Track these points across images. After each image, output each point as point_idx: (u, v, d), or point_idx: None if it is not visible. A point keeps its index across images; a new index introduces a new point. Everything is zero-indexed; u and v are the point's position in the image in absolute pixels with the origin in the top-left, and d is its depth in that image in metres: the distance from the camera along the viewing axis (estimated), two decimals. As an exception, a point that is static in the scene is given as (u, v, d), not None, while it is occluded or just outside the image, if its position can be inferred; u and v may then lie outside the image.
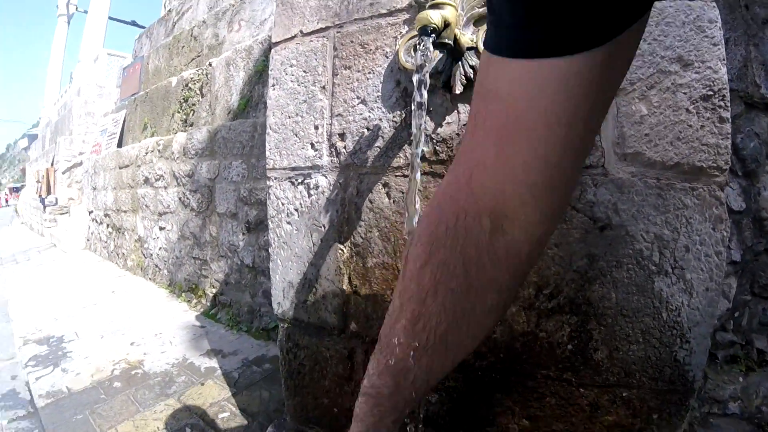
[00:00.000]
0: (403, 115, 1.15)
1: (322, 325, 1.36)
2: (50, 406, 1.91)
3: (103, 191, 5.48)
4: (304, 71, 1.31)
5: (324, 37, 1.26)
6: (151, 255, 4.19)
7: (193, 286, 3.51)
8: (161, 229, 4.01)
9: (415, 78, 0.87)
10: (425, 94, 0.85)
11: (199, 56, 4.98)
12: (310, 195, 1.34)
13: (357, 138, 1.23)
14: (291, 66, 1.34)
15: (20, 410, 1.96)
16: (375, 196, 1.21)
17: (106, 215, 5.38)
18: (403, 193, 1.17)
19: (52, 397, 1.97)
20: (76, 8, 15.23)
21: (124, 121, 6.71)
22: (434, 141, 1.11)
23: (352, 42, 1.22)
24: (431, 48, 0.87)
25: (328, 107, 1.28)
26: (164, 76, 5.56)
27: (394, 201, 1.19)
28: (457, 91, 1.02)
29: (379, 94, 1.18)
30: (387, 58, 1.16)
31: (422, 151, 1.13)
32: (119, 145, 6.40)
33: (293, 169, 1.37)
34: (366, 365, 0.62)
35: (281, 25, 1.35)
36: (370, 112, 1.21)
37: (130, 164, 4.61)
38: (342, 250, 1.28)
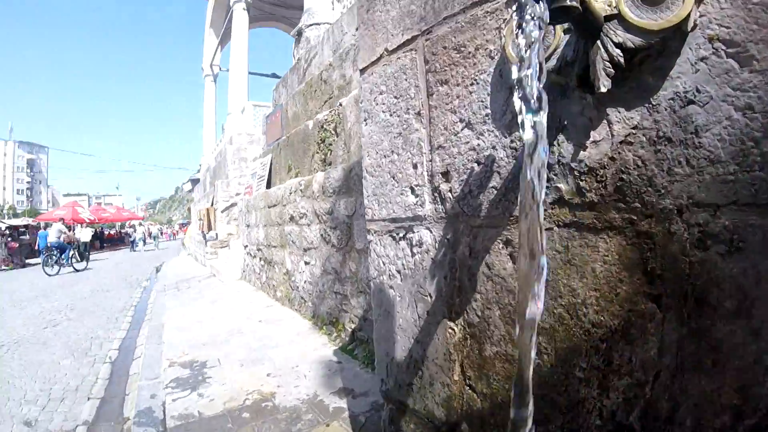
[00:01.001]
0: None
1: (428, 417, 1.07)
2: (179, 428, 1.97)
3: (255, 228, 5.97)
4: (395, 97, 1.07)
5: (412, 50, 1.01)
6: (297, 287, 4.35)
7: (334, 320, 3.54)
8: (306, 263, 4.15)
9: (514, 71, 0.58)
10: (537, 93, 0.55)
11: (330, 98, 5.13)
12: (413, 254, 1.08)
13: (465, 177, 0.94)
14: (380, 93, 1.11)
15: (151, 429, 2.09)
16: (494, 258, 0.90)
17: (258, 249, 5.83)
18: (531, 255, 0.84)
19: (183, 419, 2.04)
20: (220, 68, 17.71)
21: (271, 164, 7.25)
22: (576, 173, 0.76)
23: (444, 48, 0.93)
24: (542, 15, 0.57)
25: (426, 138, 1.01)
26: (302, 120, 5.87)
27: (521, 263, 0.86)
28: (603, 89, 0.67)
29: (488, 111, 0.87)
30: (492, 59, 0.84)
31: (557, 189, 0.80)
32: (268, 186, 6.89)
33: (393, 220, 1.12)
34: None
35: (365, 48, 1.12)
36: (479, 138, 0.90)
37: (277, 203, 4.94)
38: (452, 330, 0.98)
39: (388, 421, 1.21)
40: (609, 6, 0.65)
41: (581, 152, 0.73)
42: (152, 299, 6.11)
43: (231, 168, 10.79)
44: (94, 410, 2.56)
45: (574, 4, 0.58)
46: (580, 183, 0.74)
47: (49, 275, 10.03)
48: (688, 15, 0.60)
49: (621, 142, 0.69)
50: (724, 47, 0.59)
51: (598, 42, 0.65)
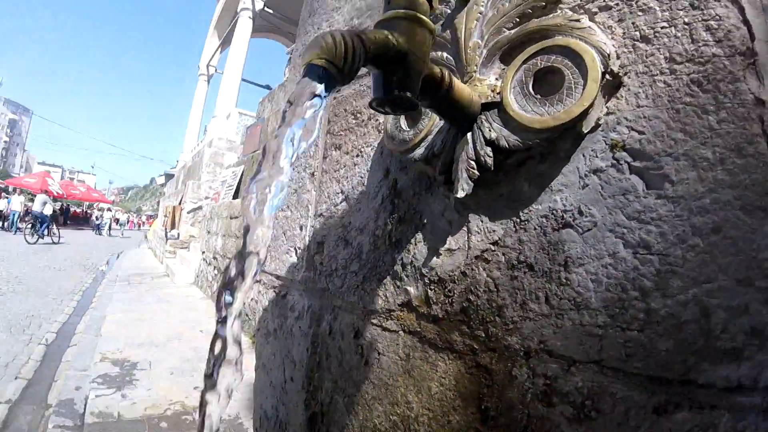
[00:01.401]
0: (389, 226, 0.58)
1: None
2: (96, 426, 1.60)
3: (215, 236, 4.88)
4: (304, 153, 0.84)
5: (323, 108, 0.79)
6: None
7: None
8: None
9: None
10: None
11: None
12: (287, 317, 0.80)
13: (334, 253, 0.67)
14: (291, 140, 0.89)
15: (68, 421, 1.68)
16: (346, 344, 0.63)
17: (214, 258, 4.75)
18: (379, 353, 0.57)
19: (102, 417, 1.66)
20: (216, 69, 14.39)
21: (242, 175, 6.01)
22: (426, 280, 0.51)
23: (345, 111, 0.69)
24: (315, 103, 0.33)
25: (314, 201, 0.76)
26: (279, 139, 5.24)
27: (367, 362, 0.59)
28: (460, 193, 0.41)
29: (364, 188, 0.61)
30: (379, 133, 0.60)
31: (406, 291, 0.54)
32: (234, 196, 5.73)
33: (278, 277, 0.85)
34: None
35: (290, 92, 0.91)
36: (352, 215, 0.65)
37: (239, 216, 4.02)
38: (309, 403, 0.71)
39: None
40: (492, 91, 0.40)
41: (434, 258, 0.48)
42: (102, 288, 4.97)
43: (205, 170, 8.83)
44: (19, 391, 2.06)
45: (407, 95, 0.34)
46: (428, 292, 0.48)
47: (29, 243, 8.51)
48: (585, 112, 0.35)
49: (477, 257, 0.43)
50: (629, 159, 0.34)
51: (468, 135, 0.41)
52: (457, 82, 0.38)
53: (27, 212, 10.94)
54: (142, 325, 3.34)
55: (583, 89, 0.34)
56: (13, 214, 11.16)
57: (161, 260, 7.68)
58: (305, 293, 0.72)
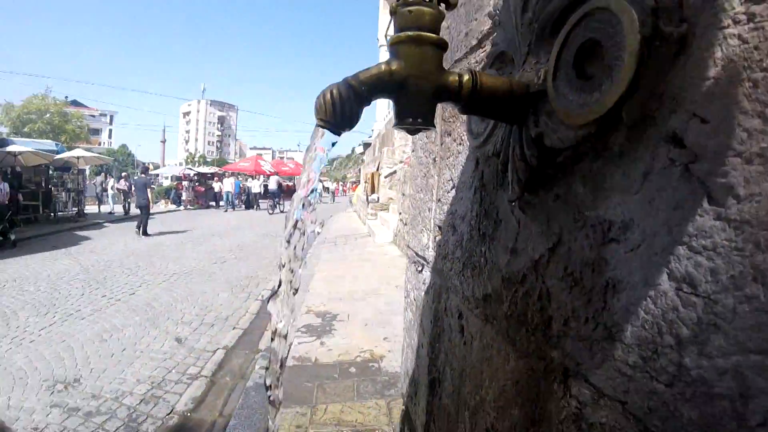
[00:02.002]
0: (478, 218, 0.55)
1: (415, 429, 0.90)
2: (295, 368, 1.98)
3: (408, 198, 5.02)
4: (427, 137, 0.85)
5: None
6: (436, 260, 3.87)
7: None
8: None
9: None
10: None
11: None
12: (420, 290, 0.88)
13: (447, 237, 0.69)
14: None
15: (273, 364, 2.25)
16: (453, 323, 0.66)
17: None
18: (472, 337, 0.58)
19: (300, 361, 2.04)
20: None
21: None
22: (500, 276, 0.47)
23: None
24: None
25: (435, 186, 0.79)
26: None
27: (465, 342, 0.61)
28: (511, 196, 0.38)
29: (465, 178, 0.61)
30: None
31: (486, 286, 0.52)
32: None
33: (416, 254, 0.94)
34: None
35: None
36: (457, 203, 0.64)
37: None
38: (431, 370, 0.79)
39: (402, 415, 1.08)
40: (537, 77, 0.35)
41: (505, 257, 0.45)
42: (312, 249, 5.56)
43: (397, 136, 8.95)
44: (235, 339, 2.64)
45: (413, 120, 0.33)
46: (502, 289, 0.46)
47: (270, 214, 10.87)
48: (623, 98, 0.27)
49: (535, 261, 0.39)
50: (686, 158, 0.25)
51: (519, 131, 0.37)
52: (486, 79, 0.34)
53: (243, 191, 13.98)
54: (344, 281, 3.87)
55: (622, 66, 0.26)
56: (227, 195, 14.06)
57: (364, 222, 8.55)
58: (432, 271, 0.79)
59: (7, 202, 8.77)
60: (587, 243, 0.32)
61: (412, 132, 0.37)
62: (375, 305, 3.21)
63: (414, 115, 0.34)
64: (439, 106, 0.77)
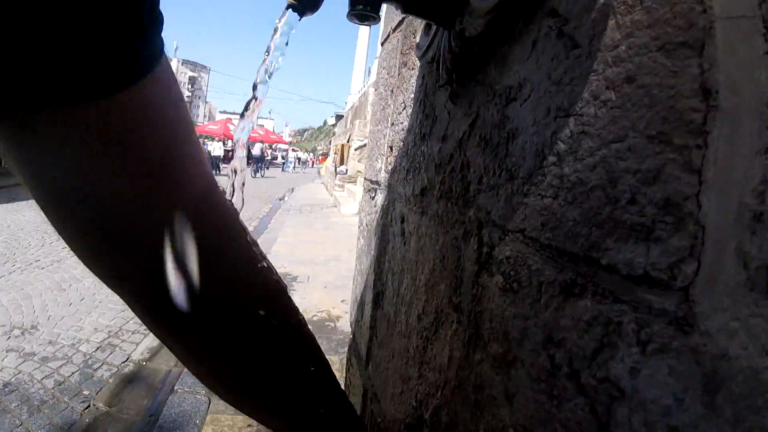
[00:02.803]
0: (422, 123, 0.66)
1: (359, 352, 1.02)
2: None
3: (368, 134, 5.17)
4: (388, 73, 0.92)
5: (400, 31, 0.85)
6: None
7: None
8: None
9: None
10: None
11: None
12: (371, 212, 0.99)
13: (396, 152, 0.79)
14: (383, 68, 0.96)
15: None
16: (396, 229, 0.76)
17: None
18: (410, 233, 0.69)
19: None
20: (366, 25, 15.83)
21: None
22: (433, 165, 0.57)
23: (413, 32, 0.74)
24: None
25: (390, 113, 0.87)
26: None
27: (405, 243, 0.72)
28: (441, 82, 0.47)
29: (414, 95, 0.71)
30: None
31: (422, 179, 0.62)
32: None
33: (371, 181, 1.03)
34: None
35: (384, 23, 1.00)
36: (406, 119, 0.74)
37: None
38: (376, 285, 0.89)
39: (348, 348, 1.18)
40: None
41: (437, 146, 0.53)
42: (277, 215, 5.86)
43: (370, 109, 8.75)
44: None
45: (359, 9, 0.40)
46: (435, 177, 0.56)
47: (252, 177, 11.18)
48: None
49: (459, 140, 0.48)
50: (558, 23, 0.33)
51: (450, 31, 0.45)
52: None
53: (226, 157, 14.13)
54: (307, 246, 4.00)
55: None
56: (214, 159, 13.89)
57: (330, 193, 8.77)
58: (381, 191, 0.88)
59: None
60: (496, 109, 0.41)
61: (361, 19, 0.45)
62: (336, 270, 3.33)
63: (363, 3, 0.42)
64: (399, 40, 0.85)
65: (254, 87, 0.44)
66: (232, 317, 0.37)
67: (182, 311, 0.32)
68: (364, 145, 8.29)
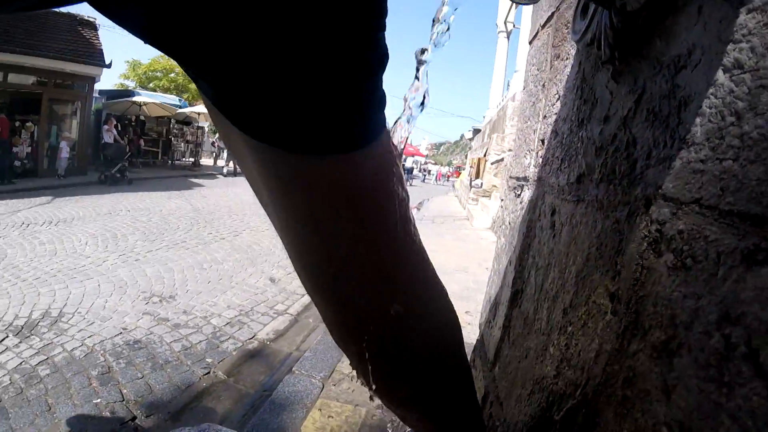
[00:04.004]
0: (579, 109, 0.66)
1: (487, 353, 1.03)
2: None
3: (516, 132, 4.95)
4: (538, 69, 0.94)
5: (550, 26, 0.86)
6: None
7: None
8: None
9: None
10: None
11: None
12: (516, 210, 1.00)
13: (548, 145, 0.80)
14: (532, 65, 0.99)
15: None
16: (545, 222, 0.77)
17: None
18: (562, 224, 0.69)
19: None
20: (513, 25, 15.12)
21: None
22: (593, 150, 0.58)
23: (562, 24, 0.76)
24: None
25: (542, 107, 0.89)
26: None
27: (554, 235, 0.72)
28: (603, 58, 0.49)
29: (569, 84, 0.71)
30: None
31: (580, 165, 0.62)
32: None
33: (516, 179, 1.05)
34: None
35: (532, 22, 1.02)
36: (561, 110, 0.74)
37: None
38: (515, 282, 0.91)
39: (476, 346, 1.21)
40: None
41: (598, 128, 0.55)
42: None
43: (508, 123, 9.14)
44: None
45: None
46: (594, 160, 0.57)
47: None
48: None
49: (624, 117, 0.50)
50: None
51: (610, 9, 0.47)
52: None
53: None
54: (436, 256, 4.06)
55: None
56: None
57: (464, 206, 9.05)
58: (529, 186, 0.90)
59: (126, 145, 10.75)
60: (664, 80, 0.43)
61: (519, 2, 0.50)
62: (462, 281, 3.46)
63: None
64: (549, 35, 0.87)
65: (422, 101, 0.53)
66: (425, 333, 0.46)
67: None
68: (501, 159, 8.36)
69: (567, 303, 0.62)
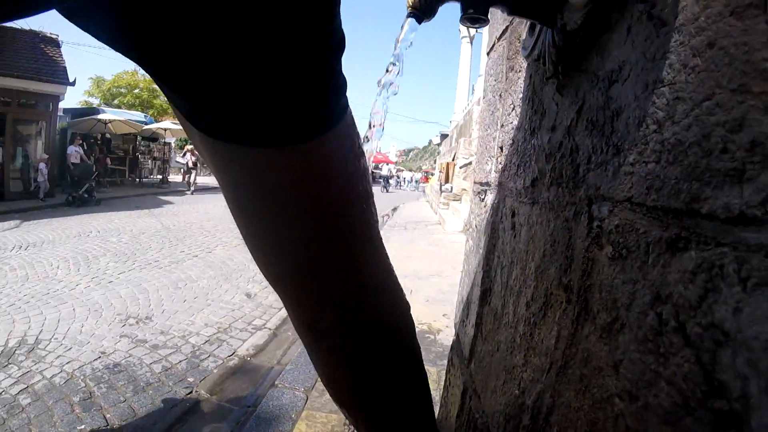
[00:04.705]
0: (531, 119, 0.71)
1: (462, 351, 1.07)
2: None
3: (477, 140, 5.06)
4: (495, 80, 0.99)
5: (505, 38, 0.92)
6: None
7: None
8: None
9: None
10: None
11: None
12: (481, 213, 1.05)
13: (506, 151, 0.85)
14: (490, 75, 1.04)
15: None
16: (507, 224, 0.81)
17: None
18: (520, 224, 0.73)
19: None
20: (477, 30, 15.23)
21: None
22: (543, 156, 0.62)
23: (517, 38, 0.82)
24: None
25: (500, 116, 0.94)
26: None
27: (514, 236, 0.76)
28: (547, 74, 0.54)
29: (522, 95, 0.77)
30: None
31: (534, 170, 0.67)
32: None
33: (480, 183, 1.09)
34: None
35: (489, 34, 1.07)
36: (515, 119, 0.80)
37: None
38: (484, 281, 0.95)
39: (450, 349, 1.24)
40: None
41: (546, 137, 0.60)
42: (382, 232, 6.17)
43: (475, 127, 8.99)
44: None
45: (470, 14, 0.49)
46: (545, 166, 0.62)
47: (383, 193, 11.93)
48: None
49: (568, 127, 0.54)
50: (648, 7, 0.39)
51: (553, 28, 0.52)
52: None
53: None
54: (410, 262, 4.22)
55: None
56: None
57: (435, 211, 9.09)
58: (491, 190, 0.95)
59: (93, 164, 10.37)
60: (600, 93, 0.47)
61: (472, 22, 0.54)
62: (438, 285, 3.51)
63: (474, 6, 0.52)
64: (504, 47, 0.93)
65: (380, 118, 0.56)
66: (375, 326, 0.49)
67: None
68: (470, 163, 8.41)
69: (529, 296, 0.66)
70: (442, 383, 1.74)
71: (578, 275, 0.51)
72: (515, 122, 0.79)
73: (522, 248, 0.72)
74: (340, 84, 0.36)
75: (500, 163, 0.88)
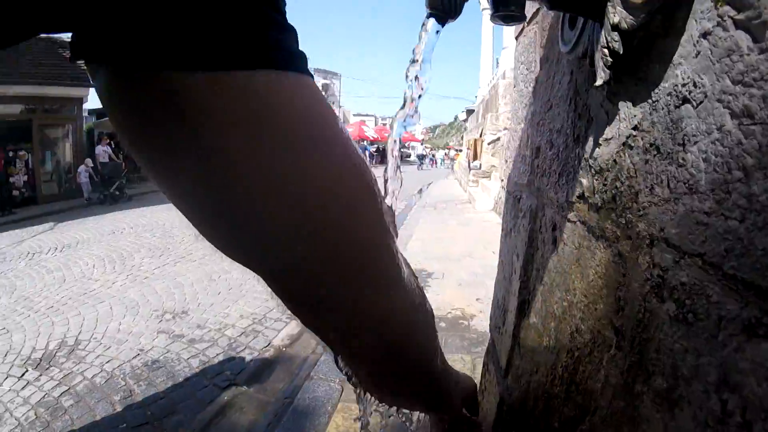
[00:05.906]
0: (572, 123, 0.62)
1: (499, 360, 1.02)
2: None
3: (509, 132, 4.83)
4: (527, 69, 0.89)
5: (536, 23, 0.81)
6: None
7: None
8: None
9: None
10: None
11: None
12: (517, 217, 0.97)
13: (544, 155, 0.76)
14: (520, 63, 0.94)
15: None
16: (546, 237, 0.74)
17: None
18: (564, 243, 0.66)
19: None
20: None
21: None
22: (592, 171, 0.54)
23: (550, 24, 0.72)
24: None
25: (535, 112, 0.85)
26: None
27: (556, 251, 0.69)
28: (598, 82, 0.45)
29: (561, 93, 0.67)
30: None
31: (581, 183, 0.58)
32: None
33: (515, 183, 1.01)
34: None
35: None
36: (554, 120, 0.70)
37: None
38: (521, 292, 0.88)
39: (486, 351, 1.20)
40: None
41: (596, 149, 0.52)
42: (412, 212, 6.12)
43: (501, 102, 8.97)
44: None
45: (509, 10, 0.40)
46: (594, 182, 0.54)
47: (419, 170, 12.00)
48: None
49: (623, 144, 0.46)
50: (732, 12, 0.30)
51: (602, 24, 0.43)
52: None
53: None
54: (441, 243, 4.18)
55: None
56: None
57: (465, 189, 9.02)
58: (529, 194, 0.87)
59: (122, 162, 10.98)
60: (664, 111, 0.39)
61: (505, 20, 0.46)
62: (470, 267, 3.44)
63: (510, 2, 0.44)
64: (536, 33, 0.83)
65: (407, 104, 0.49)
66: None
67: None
68: (498, 139, 8.30)
69: (574, 327, 0.60)
70: (477, 372, 1.71)
71: (633, 323, 0.44)
72: (554, 124, 0.70)
73: (564, 268, 0.65)
74: (287, 26, 0.31)
75: (537, 166, 0.80)
